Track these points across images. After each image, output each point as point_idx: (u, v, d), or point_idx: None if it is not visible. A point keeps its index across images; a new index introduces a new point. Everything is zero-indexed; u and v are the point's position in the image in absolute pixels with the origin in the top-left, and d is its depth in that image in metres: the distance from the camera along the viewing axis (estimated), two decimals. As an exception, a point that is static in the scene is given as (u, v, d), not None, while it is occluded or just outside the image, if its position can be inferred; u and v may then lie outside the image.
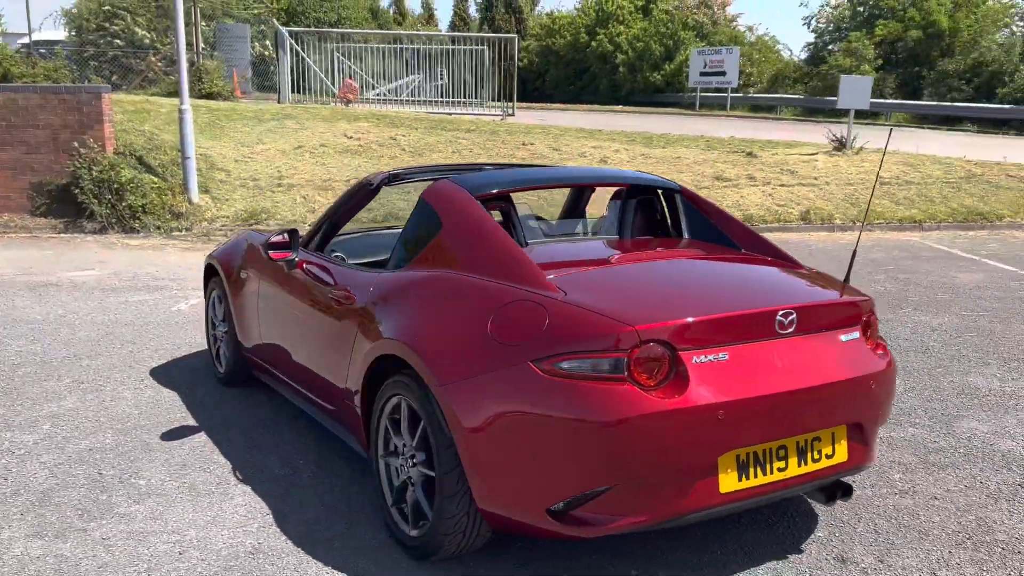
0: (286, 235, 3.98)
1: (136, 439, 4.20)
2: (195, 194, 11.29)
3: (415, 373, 2.96)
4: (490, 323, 2.79)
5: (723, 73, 34.78)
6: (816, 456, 2.82)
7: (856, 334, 2.98)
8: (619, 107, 34.49)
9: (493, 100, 23.47)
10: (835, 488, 2.96)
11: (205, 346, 5.68)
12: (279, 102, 20.41)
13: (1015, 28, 32.09)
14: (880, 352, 3.03)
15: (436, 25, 54.34)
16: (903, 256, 9.90)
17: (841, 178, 14.39)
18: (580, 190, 4.32)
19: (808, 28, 38.82)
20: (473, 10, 52.78)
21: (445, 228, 3.27)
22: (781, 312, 2.75)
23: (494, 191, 3.44)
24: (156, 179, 11.14)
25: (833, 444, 2.87)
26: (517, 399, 2.62)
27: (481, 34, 22.27)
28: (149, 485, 3.68)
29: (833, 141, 16.16)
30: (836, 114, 32.08)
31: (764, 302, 2.81)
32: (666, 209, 3.90)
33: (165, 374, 5.23)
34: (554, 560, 3.05)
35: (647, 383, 2.55)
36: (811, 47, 37.60)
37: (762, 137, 19.37)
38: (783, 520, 3.35)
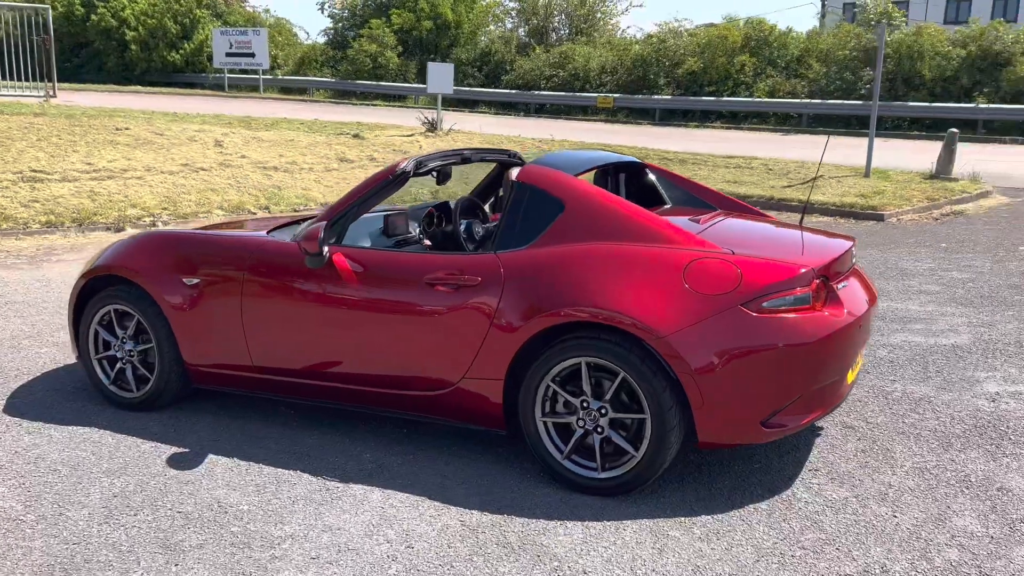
0: (321, 228, 3.85)
1: (150, 474, 3.70)
2: None
3: (607, 334, 3.36)
4: (684, 279, 3.34)
5: (252, 55, 34.58)
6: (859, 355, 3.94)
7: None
8: (157, 88, 32.28)
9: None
10: None
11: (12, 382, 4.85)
12: None
13: (508, 23, 37.45)
14: (860, 275, 4.26)
15: None
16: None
17: (448, 156, 15.93)
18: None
19: (324, 13, 40.17)
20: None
21: (570, 207, 3.63)
22: (852, 248, 3.79)
23: (582, 172, 3.88)
24: None
25: (860, 344, 4.02)
26: (736, 337, 3.26)
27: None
28: (260, 508, 3.40)
29: (425, 124, 17.69)
30: (367, 96, 34.12)
31: (842, 243, 3.82)
32: (643, 181, 4.64)
33: (39, 412, 4.42)
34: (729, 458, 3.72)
35: (821, 308, 3.39)
36: (331, 32, 39.09)
37: (333, 119, 20.24)
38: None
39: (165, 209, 11.17)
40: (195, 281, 4.23)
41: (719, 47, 27.48)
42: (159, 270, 4.30)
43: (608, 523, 3.28)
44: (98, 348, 4.54)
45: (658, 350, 3.29)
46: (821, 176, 14.56)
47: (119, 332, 4.46)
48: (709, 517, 3.32)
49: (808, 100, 25.00)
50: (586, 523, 3.28)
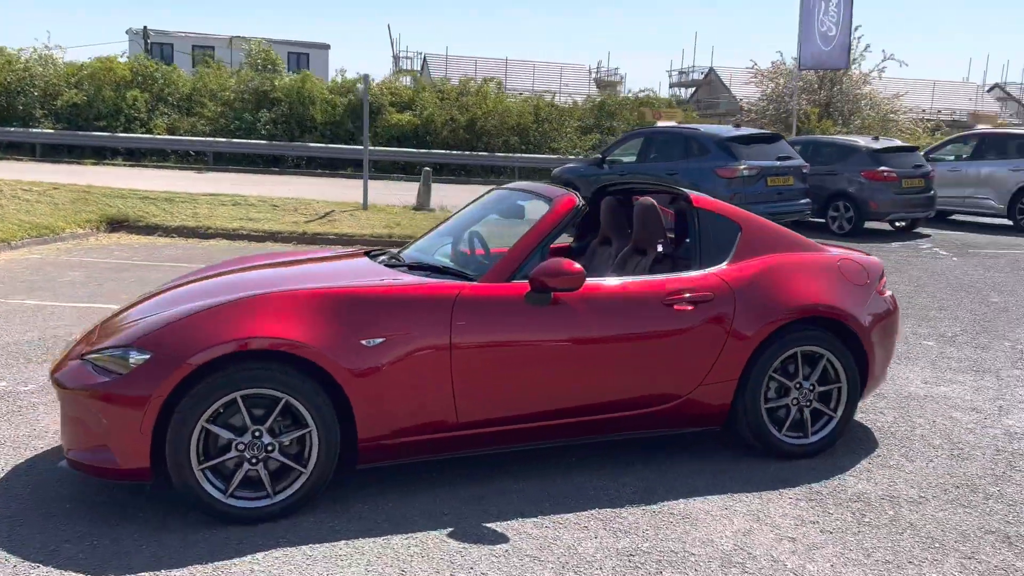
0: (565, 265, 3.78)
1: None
2: None
3: (814, 325, 4.24)
4: (842, 275, 4.44)
5: None
6: None
7: None
8: None
9: None
10: None
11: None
12: None
13: None
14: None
15: None
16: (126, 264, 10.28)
17: None
18: None
19: None
20: None
21: (745, 227, 4.35)
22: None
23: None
24: None
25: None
26: (880, 313, 4.51)
27: None
28: (664, 548, 3.38)
29: None
30: None
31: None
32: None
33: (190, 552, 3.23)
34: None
35: None
36: None
37: None
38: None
39: None
40: (379, 341, 3.59)
41: (104, 79, 25.67)
42: (332, 334, 3.52)
43: (865, 469, 4.18)
44: (200, 455, 3.41)
45: (856, 331, 4.33)
46: (333, 211, 15.54)
47: (249, 424, 3.45)
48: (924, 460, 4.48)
49: (214, 139, 25.24)
50: (850, 475, 4.13)
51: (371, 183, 16.48)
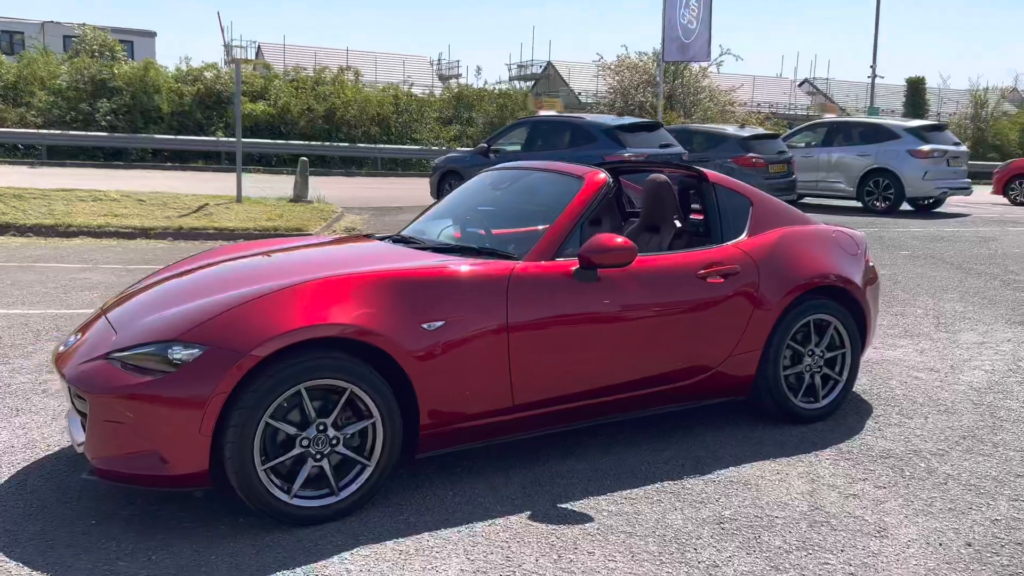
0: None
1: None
2: None
3: (824, 294, 4.42)
4: (838, 246, 4.65)
5: None
6: None
7: None
8: None
9: None
10: None
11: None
12: None
13: None
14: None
15: None
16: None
17: None
18: None
19: None
20: None
21: (755, 202, 4.46)
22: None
23: (716, 173, 4.65)
24: None
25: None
26: (871, 278, 4.76)
27: None
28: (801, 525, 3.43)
29: None
30: None
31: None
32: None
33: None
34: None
35: None
36: None
37: None
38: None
39: None
40: (439, 324, 3.44)
41: (-87, 65, 23.07)
42: (396, 319, 3.33)
43: (876, 428, 4.39)
44: (264, 453, 3.15)
45: (858, 299, 4.54)
46: (206, 204, 14.67)
47: (314, 417, 3.22)
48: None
49: (48, 131, 23.24)
50: (867, 435, 4.34)
51: (234, 176, 15.70)
